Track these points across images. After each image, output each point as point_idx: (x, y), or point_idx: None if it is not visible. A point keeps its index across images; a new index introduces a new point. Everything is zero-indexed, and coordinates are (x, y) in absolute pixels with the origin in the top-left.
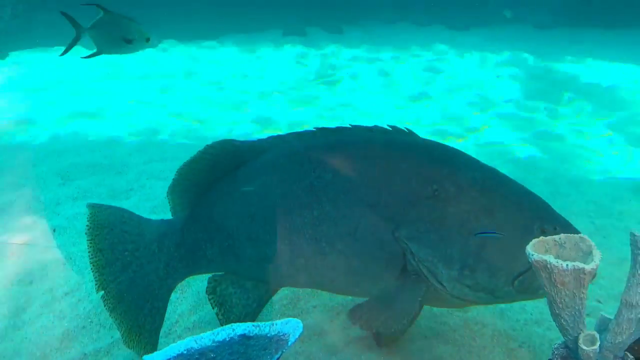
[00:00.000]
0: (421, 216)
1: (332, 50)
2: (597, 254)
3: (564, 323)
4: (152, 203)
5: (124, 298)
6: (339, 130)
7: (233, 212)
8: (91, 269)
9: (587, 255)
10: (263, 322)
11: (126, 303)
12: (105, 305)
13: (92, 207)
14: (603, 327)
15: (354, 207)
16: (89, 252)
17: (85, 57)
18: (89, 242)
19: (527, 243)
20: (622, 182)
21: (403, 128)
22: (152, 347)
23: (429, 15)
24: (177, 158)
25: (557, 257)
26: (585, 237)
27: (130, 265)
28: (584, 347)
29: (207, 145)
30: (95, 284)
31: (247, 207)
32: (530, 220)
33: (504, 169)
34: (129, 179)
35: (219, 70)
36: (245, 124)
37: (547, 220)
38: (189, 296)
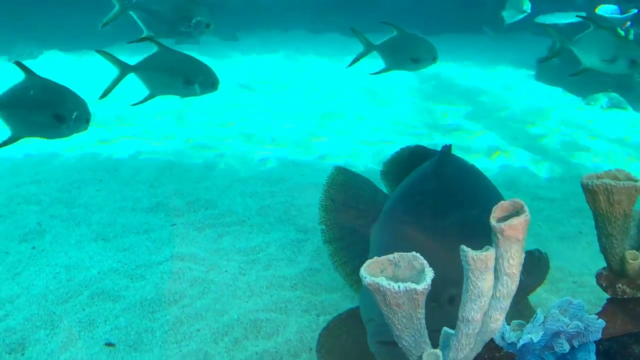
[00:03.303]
0: None
1: (229, 56)
2: (428, 273)
3: (406, 344)
4: (23, 230)
5: (342, 239)
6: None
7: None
8: (319, 208)
9: (420, 274)
10: None
11: (343, 244)
12: (323, 236)
13: (337, 169)
14: (446, 343)
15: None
16: (322, 196)
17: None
18: (325, 191)
19: None
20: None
21: None
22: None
23: (322, 24)
24: (51, 179)
25: (393, 276)
26: (418, 255)
27: (357, 220)
28: None
29: (402, 147)
30: (320, 219)
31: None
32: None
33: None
34: None
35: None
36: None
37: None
38: (60, 332)
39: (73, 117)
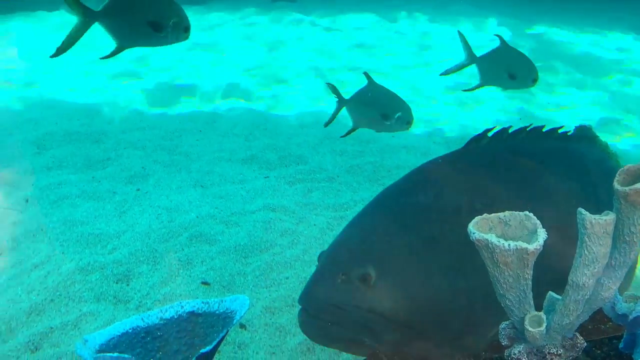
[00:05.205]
0: None
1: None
2: (541, 233)
3: (509, 304)
4: (129, 173)
5: None
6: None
7: None
8: None
9: (532, 234)
10: (212, 299)
11: None
12: None
13: None
14: (551, 307)
15: None
16: None
17: None
18: None
19: None
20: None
21: None
22: None
23: None
24: (155, 127)
25: (502, 235)
26: (531, 214)
27: None
28: (530, 329)
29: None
30: None
31: None
32: None
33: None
34: (106, 148)
35: (209, 36)
36: (231, 96)
37: None
38: (161, 268)
39: (395, 117)
